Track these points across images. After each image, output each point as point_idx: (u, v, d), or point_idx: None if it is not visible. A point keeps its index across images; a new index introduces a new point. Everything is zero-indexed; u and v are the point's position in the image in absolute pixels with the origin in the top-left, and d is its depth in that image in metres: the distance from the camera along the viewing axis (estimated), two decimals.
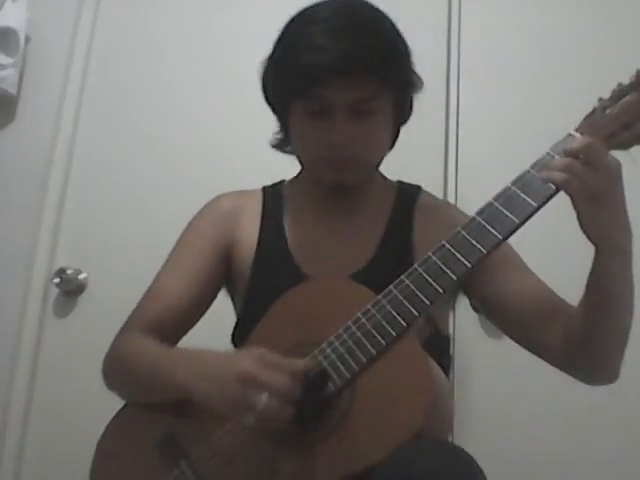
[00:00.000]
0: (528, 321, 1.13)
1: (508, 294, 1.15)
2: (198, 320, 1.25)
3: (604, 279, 1.00)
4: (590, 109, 1.01)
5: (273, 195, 1.31)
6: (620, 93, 0.98)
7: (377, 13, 1.16)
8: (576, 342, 1.05)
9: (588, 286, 1.03)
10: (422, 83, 1.19)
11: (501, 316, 1.18)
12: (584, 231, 0.97)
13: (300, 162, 1.26)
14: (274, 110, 1.24)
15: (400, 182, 1.32)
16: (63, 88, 2.06)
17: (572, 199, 0.95)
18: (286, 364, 0.95)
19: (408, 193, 1.29)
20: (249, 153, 1.89)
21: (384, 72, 1.09)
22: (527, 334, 1.14)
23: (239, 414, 0.93)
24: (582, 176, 0.93)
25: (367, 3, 1.17)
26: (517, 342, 1.17)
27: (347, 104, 1.09)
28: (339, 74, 1.06)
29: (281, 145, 1.28)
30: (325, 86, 1.07)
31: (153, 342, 1.15)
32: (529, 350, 1.15)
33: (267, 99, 1.23)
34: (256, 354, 0.96)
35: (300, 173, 1.32)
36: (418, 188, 1.31)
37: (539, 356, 1.14)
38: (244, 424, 0.93)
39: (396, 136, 1.24)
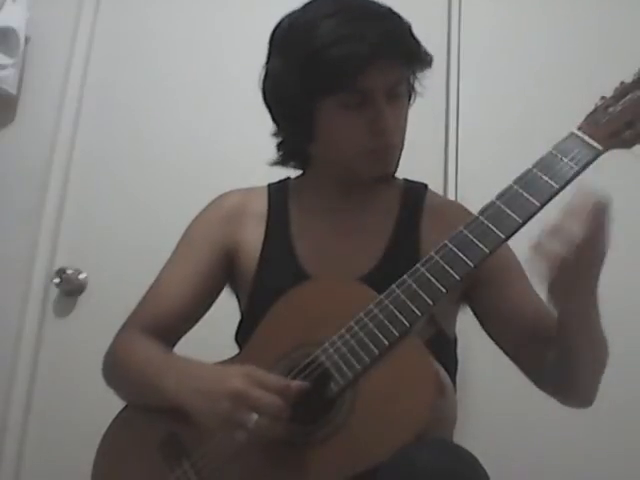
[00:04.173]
0: (514, 338, 1.13)
1: (500, 310, 1.15)
2: (199, 320, 1.25)
3: (571, 333, 1.00)
4: (591, 107, 1.01)
5: (279, 193, 1.28)
6: (623, 91, 0.98)
7: None
8: (551, 367, 1.06)
9: (558, 331, 1.02)
10: (432, 57, 1.17)
11: (491, 328, 1.18)
12: (551, 297, 0.95)
13: (311, 165, 1.25)
14: (287, 115, 1.16)
15: (405, 180, 1.29)
16: (63, 88, 2.06)
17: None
18: (276, 383, 0.95)
19: (415, 193, 1.26)
20: (250, 153, 1.87)
21: (410, 52, 1.11)
22: (512, 350, 1.15)
23: (229, 431, 0.95)
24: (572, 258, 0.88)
25: None
26: (504, 353, 1.17)
27: (385, 90, 1.09)
28: (378, 60, 1.05)
29: (283, 160, 1.26)
30: (366, 75, 1.06)
31: (151, 343, 1.15)
32: (514, 362, 1.15)
33: (272, 105, 1.17)
34: (246, 372, 0.96)
35: (305, 172, 1.29)
36: (424, 187, 1.28)
37: (521, 371, 1.14)
38: (235, 440, 0.94)
39: None
